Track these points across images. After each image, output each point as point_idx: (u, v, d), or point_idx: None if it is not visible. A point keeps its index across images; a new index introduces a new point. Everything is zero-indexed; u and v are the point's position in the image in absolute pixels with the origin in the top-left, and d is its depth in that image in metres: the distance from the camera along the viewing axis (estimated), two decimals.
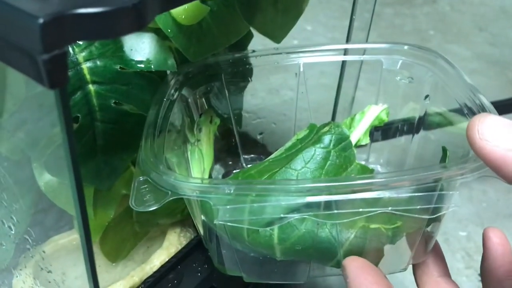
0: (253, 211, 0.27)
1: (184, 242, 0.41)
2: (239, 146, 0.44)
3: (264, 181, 0.27)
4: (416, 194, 0.26)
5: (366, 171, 0.30)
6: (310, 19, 1.09)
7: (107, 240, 0.39)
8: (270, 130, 0.48)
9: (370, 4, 0.49)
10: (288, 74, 0.43)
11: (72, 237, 0.43)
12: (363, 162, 0.42)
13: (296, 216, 0.27)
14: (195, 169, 0.36)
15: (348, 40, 0.49)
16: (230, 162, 0.45)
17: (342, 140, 0.31)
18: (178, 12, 0.33)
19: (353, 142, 0.35)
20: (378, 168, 0.45)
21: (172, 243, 0.40)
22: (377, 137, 0.44)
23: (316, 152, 0.30)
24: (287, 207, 0.27)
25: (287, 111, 0.47)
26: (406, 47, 0.40)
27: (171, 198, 0.27)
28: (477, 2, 1.26)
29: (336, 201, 0.26)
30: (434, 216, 0.28)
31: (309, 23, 1.07)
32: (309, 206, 0.26)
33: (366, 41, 0.51)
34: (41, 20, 0.17)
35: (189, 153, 0.37)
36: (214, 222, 0.27)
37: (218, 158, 0.44)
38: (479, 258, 0.31)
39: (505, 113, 0.58)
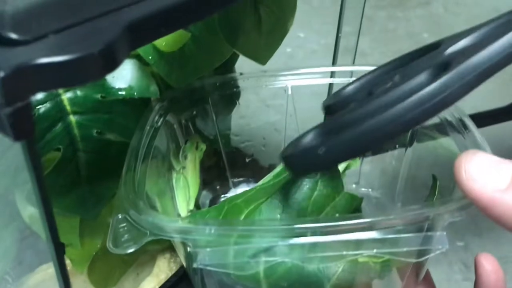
0: (236, 253, 0.26)
1: (175, 268, 0.40)
2: (227, 170, 0.43)
3: (247, 221, 0.27)
4: (402, 235, 0.25)
5: (355, 200, 0.30)
6: (302, 25, 1.08)
7: (95, 269, 0.39)
8: (259, 152, 0.48)
9: (360, 8, 0.49)
10: (277, 94, 0.42)
11: None
12: (353, 186, 0.41)
13: (279, 259, 0.26)
14: (180, 198, 0.35)
15: (335, 51, 0.48)
16: (218, 187, 0.44)
17: (330, 169, 0.30)
18: (159, 39, 0.32)
19: (343, 166, 0.34)
20: (370, 192, 0.44)
21: (162, 270, 0.40)
22: (367, 155, 0.43)
23: (303, 182, 0.29)
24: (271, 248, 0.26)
25: (276, 133, 0.46)
26: None
27: (149, 239, 0.26)
28: (470, 3, 1.25)
29: (320, 242, 0.25)
30: (421, 259, 0.27)
31: (301, 30, 1.06)
32: (293, 247, 0.26)
33: (356, 47, 0.51)
34: (1, 74, 0.16)
35: (174, 181, 0.36)
36: (193, 266, 0.27)
37: (205, 182, 0.43)
38: None
39: (500, 121, 0.57)
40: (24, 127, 0.18)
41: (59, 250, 0.22)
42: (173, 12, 0.22)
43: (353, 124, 0.23)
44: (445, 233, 0.26)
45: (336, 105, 0.32)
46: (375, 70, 0.32)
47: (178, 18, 0.22)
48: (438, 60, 0.25)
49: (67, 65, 0.18)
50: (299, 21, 0.41)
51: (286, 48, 0.99)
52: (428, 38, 1.11)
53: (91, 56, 0.18)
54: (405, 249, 0.26)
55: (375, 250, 0.25)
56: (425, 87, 0.22)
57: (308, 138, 0.26)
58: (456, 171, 0.23)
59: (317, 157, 0.24)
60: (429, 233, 0.26)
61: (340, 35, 0.43)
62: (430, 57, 0.26)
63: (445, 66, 0.24)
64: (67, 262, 0.38)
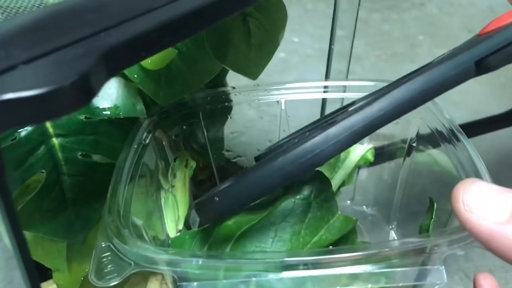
0: (224, 287, 0.25)
1: None
2: (218, 185, 0.42)
3: (236, 254, 0.25)
4: (398, 269, 0.24)
5: (349, 222, 0.28)
6: (296, 30, 1.07)
7: None
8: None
9: (354, 13, 0.47)
10: (270, 105, 0.41)
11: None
12: (348, 202, 0.40)
13: None
14: (169, 218, 0.34)
15: (329, 57, 0.47)
16: None
17: (324, 190, 0.29)
18: None
19: (338, 183, 0.33)
20: (365, 208, 0.43)
21: None
22: (363, 169, 0.42)
23: (295, 205, 0.28)
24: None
25: (270, 143, 0.45)
26: None
27: (134, 271, 0.25)
28: (465, 3, 1.25)
29: (313, 276, 0.24)
30: None
31: (295, 35, 1.05)
32: (284, 280, 0.24)
33: (351, 52, 0.50)
34: None
35: (163, 200, 0.35)
36: None
37: (196, 198, 0.42)
38: None
39: (499, 129, 0.56)
40: None
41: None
42: (154, 35, 0.21)
43: (241, 176, 0.26)
44: (443, 267, 0.25)
45: (262, 157, 0.33)
46: (313, 122, 0.33)
47: (159, 41, 0.21)
48: (329, 121, 0.27)
49: (37, 99, 0.16)
50: (292, 25, 0.40)
51: (280, 53, 0.97)
52: (423, 40, 1.10)
53: (63, 89, 0.17)
54: (400, 284, 0.25)
55: (369, 286, 0.24)
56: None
57: (217, 188, 0.28)
58: (453, 201, 0.22)
59: (215, 205, 0.27)
60: (426, 267, 0.25)
61: (332, 46, 0.42)
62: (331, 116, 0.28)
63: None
64: (54, 286, 0.37)
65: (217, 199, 0.26)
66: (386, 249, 0.24)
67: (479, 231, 0.21)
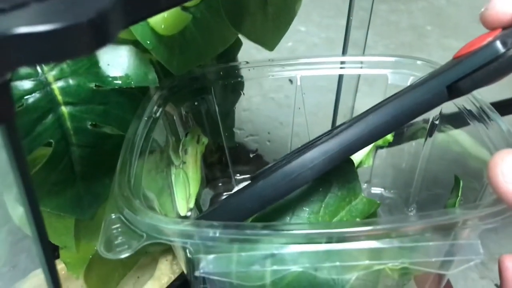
0: (241, 260, 0.23)
1: (178, 271, 0.38)
2: (230, 166, 0.41)
3: (255, 225, 0.24)
4: (430, 243, 0.23)
5: (372, 205, 0.27)
6: (303, 19, 1.05)
7: (93, 273, 0.36)
8: (264, 147, 0.45)
9: (364, 1, 0.46)
10: (282, 87, 0.39)
11: (58, 268, 0.40)
12: (364, 185, 0.39)
13: (289, 268, 0.23)
14: (179, 195, 0.33)
15: (345, 41, 0.45)
16: (220, 184, 0.42)
17: (346, 170, 0.27)
18: (157, 21, 0.29)
19: (355, 164, 0.31)
20: (383, 192, 0.42)
21: (164, 273, 0.37)
22: (381, 151, 0.41)
23: (315, 183, 0.27)
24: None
25: (281, 127, 0.43)
26: (419, 62, 0.36)
27: (146, 243, 0.23)
28: None
29: (336, 250, 0.23)
30: (452, 271, 0.24)
31: (302, 24, 1.04)
32: (305, 254, 0.23)
33: (365, 40, 0.48)
34: None
35: (173, 176, 0.33)
36: (195, 275, 0.24)
37: (207, 179, 0.40)
38: (493, 267, 0.28)
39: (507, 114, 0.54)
40: (2, 108, 0.15)
41: (48, 252, 0.20)
42: None
43: (226, 200, 0.27)
44: (478, 241, 0.24)
45: (258, 176, 0.34)
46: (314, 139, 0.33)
47: None
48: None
49: (51, 36, 0.15)
50: (299, 15, 0.38)
51: (287, 42, 0.96)
52: (431, 30, 1.08)
53: (80, 26, 0.15)
54: (433, 259, 0.23)
55: (400, 260, 0.22)
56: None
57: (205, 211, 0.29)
58: (491, 172, 0.20)
59: None
60: (460, 241, 0.23)
61: (351, 17, 0.40)
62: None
63: None
64: (62, 266, 0.36)
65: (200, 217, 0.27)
66: (415, 223, 0.22)
67: None
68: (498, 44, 0.22)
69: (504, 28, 0.23)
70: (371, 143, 0.25)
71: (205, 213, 0.28)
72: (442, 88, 0.24)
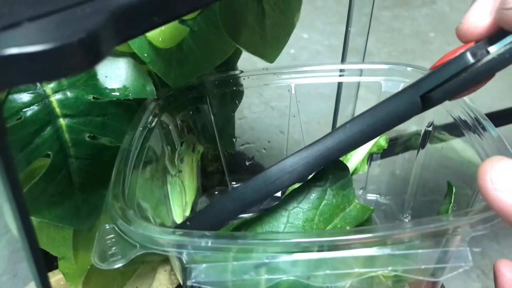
0: (234, 270, 0.23)
1: (176, 281, 0.38)
2: (226, 175, 0.41)
3: (247, 234, 0.24)
4: (420, 251, 0.23)
5: (366, 211, 0.27)
6: (306, 26, 1.05)
7: (91, 283, 0.36)
8: (260, 155, 0.45)
9: (367, 8, 0.46)
10: (281, 95, 0.40)
11: (57, 278, 0.40)
12: (360, 191, 0.39)
13: (282, 277, 0.23)
14: (175, 203, 0.33)
15: (344, 48, 0.45)
16: (217, 192, 0.42)
17: (341, 177, 0.27)
18: (154, 34, 0.29)
19: (351, 170, 0.31)
20: (378, 198, 0.41)
21: (162, 283, 0.37)
22: (376, 158, 0.41)
23: (310, 190, 0.27)
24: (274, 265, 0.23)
25: (280, 135, 0.43)
26: (409, 68, 0.36)
27: (139, 253, 0.23)
28: None
29: (328, 258, 0.23)
30: (441, 277, 0.24)
31: (305, 31, 1.04)
32: (298, 263, 0.23)
33: (365, 47, 0.48)
34: None
35: (169, 185, 0.33)
36: (188, 284, 0.24)
37: (205, 187, 0.40)
38: None
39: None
40: None
41: (40, 266, 0.20)
42: None
43: (210, 204, 0.28)
44: (467, 248, 0.24)
45: None
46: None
47: (174, 5, 0.20)
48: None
49: (42, 56, 0.15)
50: (302, 22, 0.39)
51: (289, 49, 0.96)
52: (434, 37, 1.08)
53: (71, 46, 0.15)
54: (422, 266, 0.23)
55: (390, 268, 0.22)
56: None
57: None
58: (480, 179, 0.20)
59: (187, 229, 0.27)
60: (449, 249, 0.23)
61: (348, 33, 0.40)
62: None
63: None
64: (61, 276, 0.36)
65: (188, 223, 0.28)
66: (406, 231, 0.22)
67: (508, 210, 0.19)
68: (468, 55, 0.23)
69: (477, 41, 0.23)
70: (350, 151, 0.26)
71: (192, 215, 0.28)
72: (416, 98, 0.25)
